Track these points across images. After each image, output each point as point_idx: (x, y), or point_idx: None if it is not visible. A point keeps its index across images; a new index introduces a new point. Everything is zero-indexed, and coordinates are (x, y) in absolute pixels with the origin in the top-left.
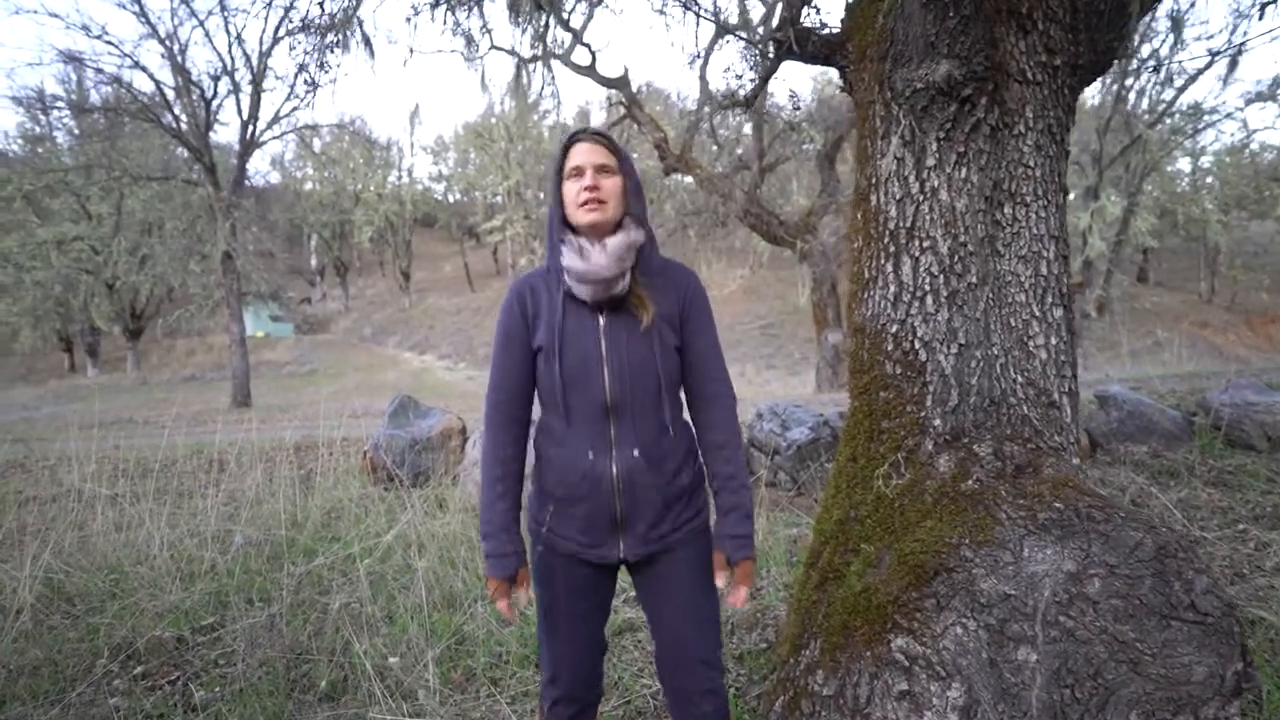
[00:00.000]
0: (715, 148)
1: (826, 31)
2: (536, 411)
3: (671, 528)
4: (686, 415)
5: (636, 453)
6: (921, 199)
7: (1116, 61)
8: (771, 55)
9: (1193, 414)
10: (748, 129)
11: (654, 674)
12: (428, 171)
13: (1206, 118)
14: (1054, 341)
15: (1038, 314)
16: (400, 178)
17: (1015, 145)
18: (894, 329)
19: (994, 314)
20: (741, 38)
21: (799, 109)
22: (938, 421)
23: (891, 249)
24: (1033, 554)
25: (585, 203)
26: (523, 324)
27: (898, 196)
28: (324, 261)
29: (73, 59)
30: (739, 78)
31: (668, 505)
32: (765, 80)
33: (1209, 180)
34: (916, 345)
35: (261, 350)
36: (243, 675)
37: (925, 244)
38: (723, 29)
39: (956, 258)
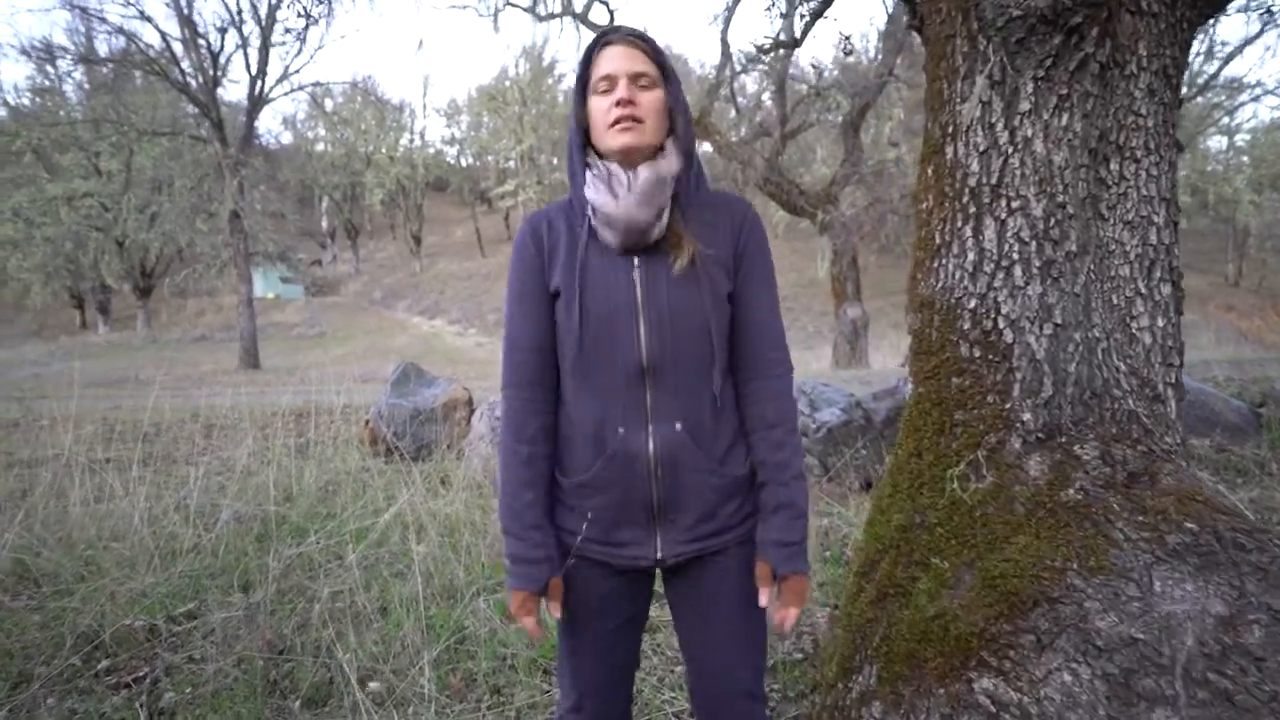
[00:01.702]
0: (734, 113)
1: None
2: None
3: (722, 525)
4: None
5: (679, 426)
6: (1011, 151)
7: None
8: None
9: (1259, 405)
10: (766, 97)
11: (677, 685)
12: (440, 134)
13: (1250, 91)
14: (1160, 323)
15: (1143, 290)
16: (412, 140)
17: (1125, 88)
18: (972, 304)
19: (1095, 289)
20: None
21: (850, 53)
22: (1027, 415)
23: (971, 210)
24: (1166, 589)
25: (617, 121)
26: (539, 264)
27: (981, 148)
28: (335, 224)
29: (75, 6)
30: (783, 15)
31: (723, 497)
32: (816, 17)
33: (1243, 159)
34: (1000, 324)
35: (271, 312)
36: (214, 677)
37: (1014, 204)
38: None
39: (1053, 221)
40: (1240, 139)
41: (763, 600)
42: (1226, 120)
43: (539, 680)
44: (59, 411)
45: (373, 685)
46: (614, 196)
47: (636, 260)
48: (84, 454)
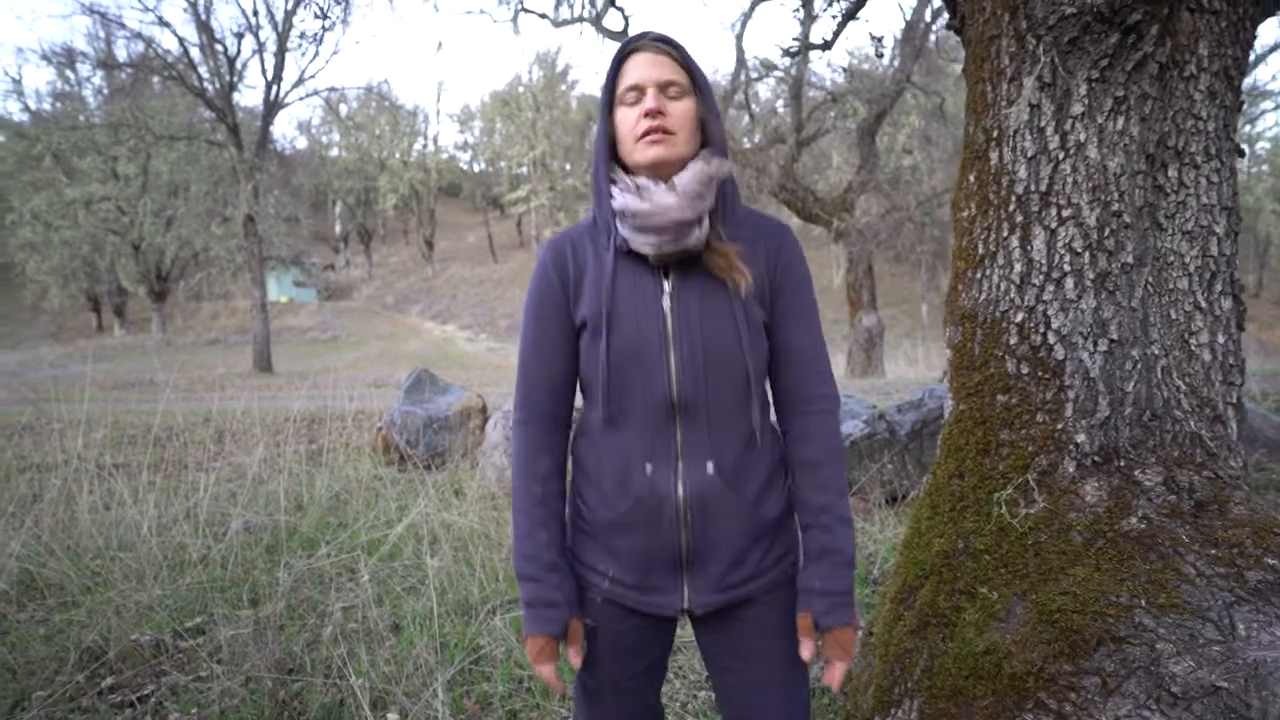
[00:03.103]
0: (749, 120)
1: None
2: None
3: (754, 571)
4: (774, 417)
5: (711, 468)
6: (1062, 156)
7: None
8: None
9: None
10: (780, 104)
11: (700, 711)
12: (453, 140)
13: (1273, 99)
14: (1221, 339)
15: (1203, 304)
16: (425, 145)
17: (1185, 90)
18: (1019, 318)
19: (1153, 303)
20: None
21: (881, 54)
22: (1081, 437)
23: (1019, 218)
24: (1251, 632)
25: (646, 133)
26: (562, 292)
27: (1030, 153)
28: (348, 228)
29: (95, 12)
30: (813, 18)
31: (752, 541)
32: (849, 18)
33: (1263, 168)
34: (1050, 339)
35: (284, 315)
36: (220, 697)
37: (1066, 213)
38: None
39: (1108, 230)
40: (1261, 147)
41: (805, 654)
42: (1247, 129)
43: (557, 705)
44: (71, 415)
45: (391, 717)
46: (648, 200)
47: (667, 287)
48: (94, 459)
